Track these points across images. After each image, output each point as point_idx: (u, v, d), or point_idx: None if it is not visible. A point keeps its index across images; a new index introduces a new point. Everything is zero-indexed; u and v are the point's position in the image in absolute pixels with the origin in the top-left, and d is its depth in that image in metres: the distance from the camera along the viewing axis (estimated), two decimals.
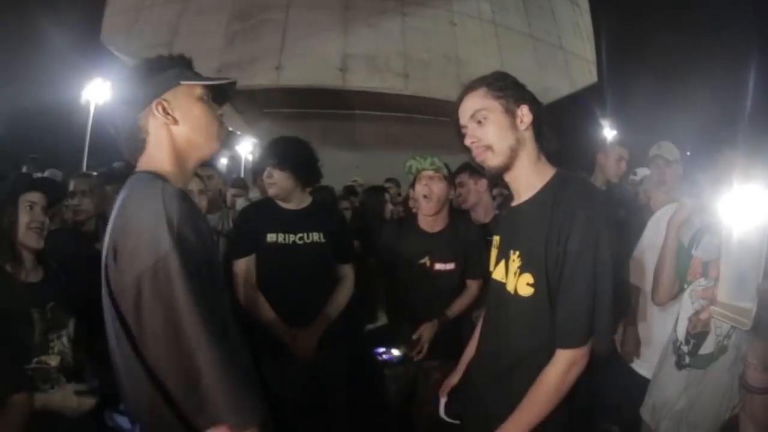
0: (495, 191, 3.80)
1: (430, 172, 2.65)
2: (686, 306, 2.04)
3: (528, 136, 1.53)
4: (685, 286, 2.07)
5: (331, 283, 2.68)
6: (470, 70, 7.91)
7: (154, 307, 1.09)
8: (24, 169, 3.85)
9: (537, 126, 1.54)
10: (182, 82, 1.33)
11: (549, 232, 1.41)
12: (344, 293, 2.70)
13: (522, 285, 1.47)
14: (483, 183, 3.25)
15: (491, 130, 1.50)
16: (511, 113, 1.50)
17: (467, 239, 2.76)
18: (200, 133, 1.36)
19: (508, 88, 1.53)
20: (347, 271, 2.76)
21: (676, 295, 2.14)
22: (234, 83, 1.44)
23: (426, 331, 2.65)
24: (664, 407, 2.01)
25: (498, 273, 1.63)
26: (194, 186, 2.74)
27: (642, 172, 3.94)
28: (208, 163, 4.00)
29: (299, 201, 2.60)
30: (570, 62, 9.98)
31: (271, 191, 2.52)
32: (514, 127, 1.50)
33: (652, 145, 3.30)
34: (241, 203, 4.48)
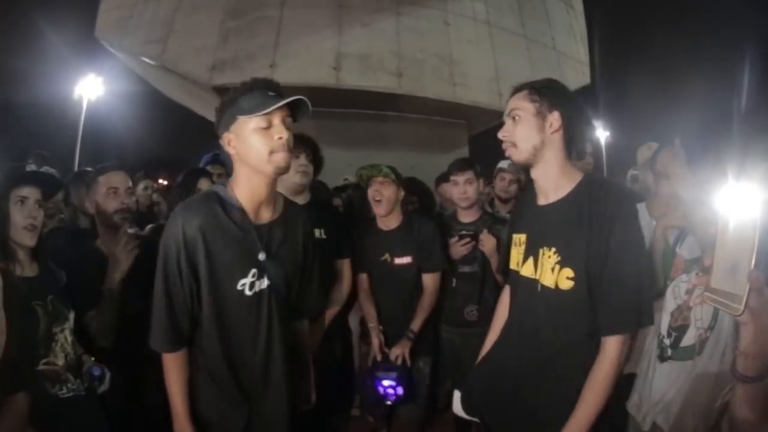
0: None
1: (380, 178, 2.86)
2: (669, 301, 2.09)
3: (556, 139, 1.69)
4: (669, 282, 2.12)
5: (330, 279, 2.71)
6: (464, 70, 7.95)
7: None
8: (31, 164, 3.82)
9: (568, 132, 1.69)
10: (239, 117, 1.62)
11: (590, 229, 1.56)
12: (342, 289, 2.75)
13: (562, 279, 1.61)
14: (481, 183, 3.39)
15: (519, 129, 1.69)
16: (541, 116, 1.67)
17: (421, 234, 2.97)
18: (253, 161, 1.64)
19: (547, 95, 1.69)
20: (344, 267, 2.80)
21: (661, 292, 2.19)
22: (302, 101, 1.65)
23: (400, 349, 2.94)
24: (650, 401, 2.05)
25: (527, 270, 1.75)
26: (203, 186, 2.82)
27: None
28: (219, 161, 4.10)
29: (303, 197, 2.62)
30: (563, 63, 10.02)
31: (303, 180, 2.53)
32: (541, 129, 1.67)
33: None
34: None
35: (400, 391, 2.83)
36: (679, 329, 2.00)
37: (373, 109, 8.21)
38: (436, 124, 8.93)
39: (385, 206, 2.96)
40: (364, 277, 3.10)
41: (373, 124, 8.37)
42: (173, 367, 1.70)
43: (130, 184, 2.60)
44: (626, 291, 1.53)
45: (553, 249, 1.64)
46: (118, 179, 2.57)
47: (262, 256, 1.70)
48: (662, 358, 2.05)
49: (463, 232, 3.22)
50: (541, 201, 1.77)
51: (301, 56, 7.00)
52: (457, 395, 2.07)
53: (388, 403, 2.87)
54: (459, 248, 3.19)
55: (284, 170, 1.67)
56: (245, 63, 6.87)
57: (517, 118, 1.70)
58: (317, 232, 2.60)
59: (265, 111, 1.57)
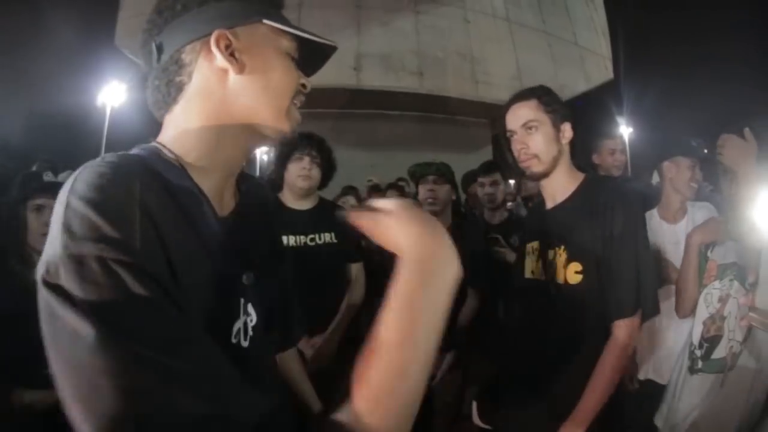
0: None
1: (434, 177, 2.68)
2: (701, 310, 1.97)
3: (567, 149, 1.71)
4: (701, 289, 2.01)
5: (344, 284, 2.61)
6: (485, 68, 7.87)
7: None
8: (34, 169, 3.80)
9: (574, 142, 1.75)
10: (266, 22, 0.84)
11: (592, 222, 1.61)
12: (357, 295, 2.63)
13: (571, 274, 1.62)
14: (510, 184, 3.29)
15: (540, 141, 1.67)
16: (556, 128, 1.68)
17: (470, 241, 2.73)
18: (271, 98, 0.85)
19: (556, 104, 1.70)
20: (357, 271, 2.68)
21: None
22: (334, 48, 0.93)
23: (445, 362, 2.71)
24: (678, 415, 1.95)
25: (538, 273, 1.78)
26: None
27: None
28: None
29: (311, 200, 2.52)
30: (585, 58, 9.87)
31: (305, 184, 2.41)
32: (557, 140, 1.68)
33: (666, 142, 3.22)
34: None
35: None
36: (711, 340, 1.88)
37: (395, 110, 8.16)
38: (458, 123, 8.85)
39: (438, 207, 2.73)
40: None
41: (396, 125, 8.31)
42: None
43: None
44: (625, 279, 1.58)
45: (563, 247, 1.67)
46: None
47: (247, 279, 0.88)
48: (692, 369, 1.93)
49: (494, 236, 3.11)
50: (549, 205, 1.79)
51: None
52: (474, 405, 2.01)
53: None
54: (502, 252, 3.01)
55: (291, 138, 0.90)
56: None
57: (534, 129, 1.70)
58: (327, 236, 2.49)
59: (318, 38, 0.88)
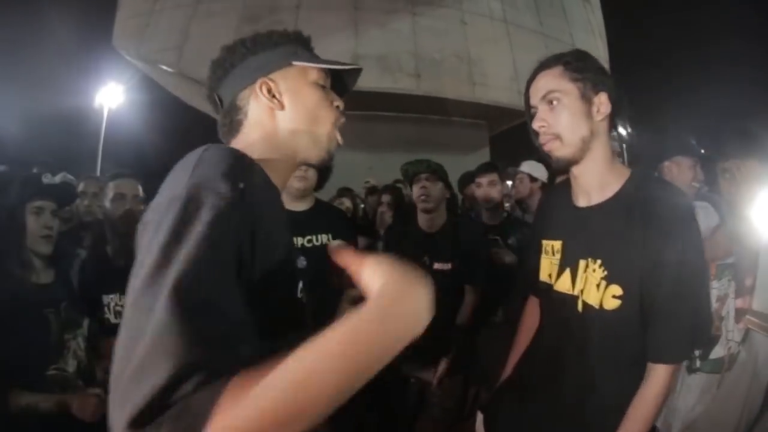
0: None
1: (427, 174, 2.71)
2: None
3: (603, 128, 1.39)
4: None
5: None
6: (482, 70, 7.86)
7: None
8: (34, 171, 3.87)
9: (613, 118, 1.40)
10: (295, 63, 1.09)
11: (644, 238, 1.28)
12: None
13: (608, 297, 1.33)
14: (508, 185, 3.30)
15: (563, 117, 1.36)
16: (587, 100, 1.36)
17: (466, 239, 2.77)
18: (309, 124, 1.08)
19: (587, 71, 1.37)
20: None
21: None
22: (359, 70, 1.23)
23: (441, 368, 2.72)
24: (677, 414, 1.95)
25: (563, 284, 1.47)
26: None
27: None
28: None
29: (307, 202, 2.53)
30: None
31: (301, 185, 2.42)
32: (589, 115, 1.36)
33: (666, 142, 3.23)
34: None
35: None
36: (709, 340, 1.90)
37: (392, 111, 8.20)
38: (456, 125, 8.85)
39: (431, 205, 2.77)
40: None
41: (393, 126, 8.36)
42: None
43: (140, 192, 2.60)
44: (684, 316, 1.27)
45: (599, 261, 1.35)
46: (126, 186, 2.62)
47: (302, 262, 1.26)
48: (690, 369, 1.94)
49: (493, 237, 3.12)
50: (581, 202, 1.47)
51: None
52: (480, 416, 1.79)
53: None
54: (502, 253, 3.01)
55: (329, 160, 1.16)
56: None
57: (556, 102, 1.36)
58: (324, 238, 2.49)
59: (340, 65, 1.14)
